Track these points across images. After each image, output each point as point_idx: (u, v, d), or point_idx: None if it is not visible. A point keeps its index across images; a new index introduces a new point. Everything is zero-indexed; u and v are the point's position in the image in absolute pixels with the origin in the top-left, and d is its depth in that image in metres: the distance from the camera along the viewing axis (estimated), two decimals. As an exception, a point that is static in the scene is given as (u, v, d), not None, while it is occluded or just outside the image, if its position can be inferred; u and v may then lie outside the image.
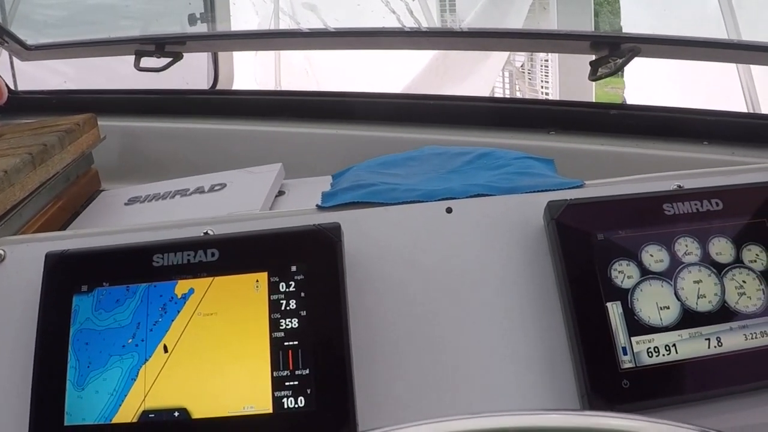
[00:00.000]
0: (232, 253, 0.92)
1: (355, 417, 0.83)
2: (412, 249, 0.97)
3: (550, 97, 4.98)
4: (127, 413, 0.86)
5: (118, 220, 1.44)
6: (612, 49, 1.64)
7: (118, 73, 2.80)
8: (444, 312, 0.93)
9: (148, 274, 0.93)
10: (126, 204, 1.51)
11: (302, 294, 0.89)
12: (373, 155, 1.29)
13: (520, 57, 5.61)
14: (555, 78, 5.04)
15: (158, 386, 0.87)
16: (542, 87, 5.32)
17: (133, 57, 1.94)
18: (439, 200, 1.02)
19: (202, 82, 2.61)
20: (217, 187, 1.45)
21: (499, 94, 5.72)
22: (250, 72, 5.27)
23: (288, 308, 0.88)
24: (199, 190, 1.45)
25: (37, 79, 2.22)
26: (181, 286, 0.91)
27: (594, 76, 1.67)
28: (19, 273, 1.02)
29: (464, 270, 0.95)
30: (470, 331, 0.92)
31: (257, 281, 0.90)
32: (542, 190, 1.02)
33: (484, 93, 4.94)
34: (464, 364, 0.90)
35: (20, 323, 0.98)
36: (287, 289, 0.89)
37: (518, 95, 5.63)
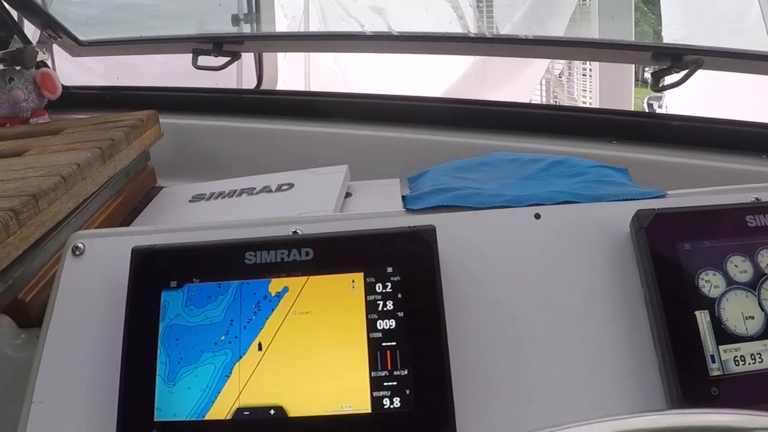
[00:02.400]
0: (327, 253, 0.92)
1: (453, 419, 0.82)
2: (500, 253, 0.97)
3: (590, 106, 4.96)
4: (221, 410, 0.85)
5: (184, 217, 1.43)
6: (674, 61, 1.63)
7: (144, 71, 2.82)
8: (533, 316, 0.93)
9: (240, 272, 0.92)
10: (190, 201, 1.50)
11: (399, 295, 0.88)
12: (434, 159, 1.29)
13: (559, 65, 5.60)
14: (596, 87, 5.03)
15: (253, 384, 0.86)
16: (583, 96, 5.31)
17: (163, 56, 1.94)
18: (527, 206, 1.01)
19: (231, 83, 2.62)
20: (284, 187, 1.44)
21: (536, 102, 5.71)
22: (279, 74, 5.27)
23: (385, 309, 0.88)
24: (266, 190, 1.44)
25: (64, 74, 2.20)
26: (275, 285, 0.91)
27: (656, 87, 1.66)
28: (99, 267, 1.02)
29: (552, 275, 0.95)
30: (558, 336, 0.92)
31: (353, 281, 0.90)
32: (627, 199, 1.02)
33: (523, 101, 4.92)
34: (552, 368, 0.90)
35: (102, 317, 0.98)
36: (384, 290, 0.89)
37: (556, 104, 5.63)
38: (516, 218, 1.00)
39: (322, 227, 0.99)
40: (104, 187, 1.41)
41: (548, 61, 5.14)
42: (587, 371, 0.90)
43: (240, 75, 2.69)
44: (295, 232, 0.99)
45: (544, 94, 5.82)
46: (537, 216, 1.00)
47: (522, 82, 4.94)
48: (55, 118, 1.93)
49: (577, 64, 5.37)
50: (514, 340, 0.92)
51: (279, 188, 1.45)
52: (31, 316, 1.22)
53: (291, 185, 1.45)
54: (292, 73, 5.37)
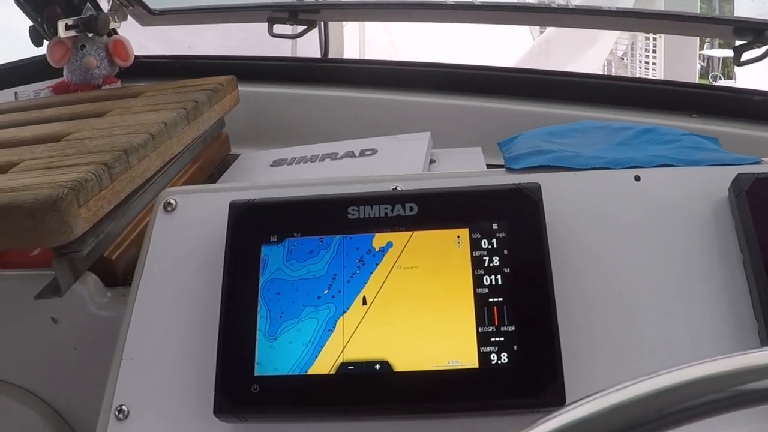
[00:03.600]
0: (431, 209, 0.91)
1: (562, 374, 0.81)
2: (601, 213, 0.96)
3: (671, 80, 4.95)
4: (324, 365, 0.84)
5: (267, 180, 1.42)
6: (756, 36, 1.60)
7: (172, 39, 2.82)
8: (634, 274, 0.92)
9: (343, 226, 0.91)
10: (272, 165, 1.50)
11: (505, 251, 0.87)
12: (515, 129, 1.27)
13: (622, 46, 5.56)
14: (660, 67, 4.99)
15: (357, 338, 0.85)
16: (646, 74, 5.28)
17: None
18: (626, 168, 1.00)
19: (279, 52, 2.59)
20: (367, 152, 1.43)
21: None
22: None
23: (491, 265, 0.86)
24: (350, 155, 1.43)
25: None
26: (379, 239, 0.90)
27: (738, 62, 1.64)
28: (191, 223, 1.02)
29: (652, 236, 0.94)
30: (659, 295, 0.90)
31: (458, 237, 0.88)
32: (724, 164, 1.01)
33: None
34: (654, 325, 0.89)
35: (194, 273, 0.98)
36: (490, 246, 0.87)
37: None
38: (616, 179, 0.99)
39: (422, 185, 0.98)
40: (183, 151, 1.41)
41: (613, 42, 5.10)
42: (687, 330, 0.88)
43: (321, 43, 2.66)
44: (395, 189, 0.98)
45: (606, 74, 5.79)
46: (637, 178, 0.98)
47: (585, 62, 4.90)
48: (126, 86, 1.93)
49: (640, 45, 5.33)
50: (616, 298, 0.91)
51: (362, 153, 1.43)
52: (116, 275, 1.22)
53: (374, 150, 1.44)
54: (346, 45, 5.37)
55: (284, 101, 1.96)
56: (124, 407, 0.92)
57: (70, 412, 1.26)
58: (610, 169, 1.00)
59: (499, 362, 0.82)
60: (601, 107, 1.74)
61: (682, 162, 1.02)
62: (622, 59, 5.63)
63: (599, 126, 1.28)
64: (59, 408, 1.26)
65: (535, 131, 1.23)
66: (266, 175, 1.46)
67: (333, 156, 1.45)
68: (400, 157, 1.38)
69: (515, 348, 0.82)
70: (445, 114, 1.81)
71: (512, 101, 1.80)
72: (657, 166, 1.01)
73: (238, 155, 1.70)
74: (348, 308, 0.87)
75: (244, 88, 1.78)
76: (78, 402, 1.24)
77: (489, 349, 0.83)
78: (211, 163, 1.64)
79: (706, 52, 8.25)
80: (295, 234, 0.92)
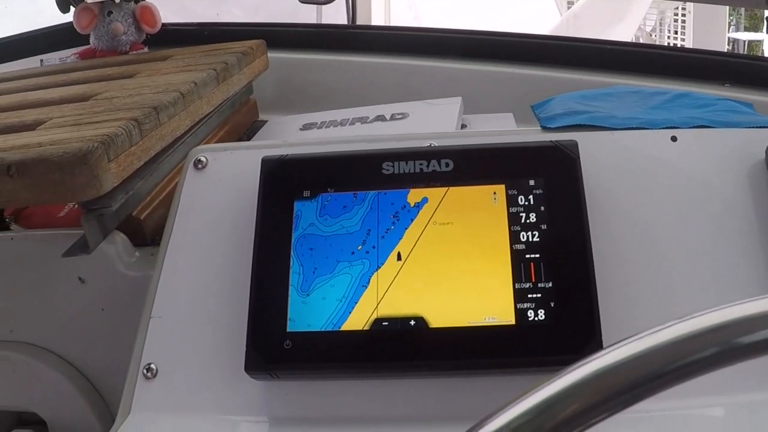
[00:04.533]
0: (467, 165, 0.90)
1: (600, 333, 0.80)
2: (637, 172, 0.95)
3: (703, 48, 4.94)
4: (358, 321, 0.83)
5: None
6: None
7: (186, 8, 2.81)
8: (670, 232, 0.91)
9: (377, 182, 0.90)
10: (301, 129, 1.49)
11: (542, 208, 0.86)
12: (546, 95, 1.25)
13: (651, 21, 5.53)
14: (689, 42, 4.97)
15: (392, 294, 0.84)
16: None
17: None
18: (663, 128, 0.98)
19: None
20: (398, 116, 1.41)
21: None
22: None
23: (528, 221, 0.85)
24: (380, 118, 1.41)
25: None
26: (414, 195, 0.89)
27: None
28: (222, 181, 1.01)
29: (688, 196, 0.93)
30: (695, 253, 0.90)
31: (494, 193, 0.87)
32: (761, 126, 1.00)
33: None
34: (691, 286, 0.88)
35: (225, 230, 0.97)
36: (526, 203, 0.86)
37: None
38: (653, 139, 0.97)
39: (457, 142, 0.97)
40: (212, 115, 1.40)
41: (641, 17, 5.07)
42: (721, 288, 0.88)
43: (349, 10, 2.63)
44: (430, 146, 0.96)
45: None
46: (673, 138, 0.97)
47: (613, 37, 4.85)
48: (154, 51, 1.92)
49: (669, 21, 5.31)
50: (652, 256, 0.89)
51: (393, 117, 1.42)
52: (145, 235, 1.22)
53: (405, 114, 1.42)
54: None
55: (313, 68, 1.95)
56: (152, 366, 0.91)
57: (96, 374, 1.25)
58: (647, 129, 0.99)
59: (536, 319, 0.81)
60: (634, 75, 1.72)
61: (719, 124, 1.01)
62: (651, 35, 5.60)
63: (633, 90, 1.27)
64: (85, 370, 1.25)
65: (569, 94, 1.22)
66: (296, 137, 1.45)
67: (363, 120, 1.44)
68: (431, 121, 1.37)
69: (552, 305, 0.81)
70: (476, 81, 1.79)
71: (544, 68, 1.78)
72: (693, 128, 1.00)
73: (266, 121, 1.68)
74: (382, 264, 0.86)
75: (272, 55, 1.77)
76: (105, 364, 1.23)
77: (526, 305, 0.81)
78: (239, 128, 1.62)
79: (732, 35, 8.19)
80: (329, 189, 0.91)
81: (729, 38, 8.26)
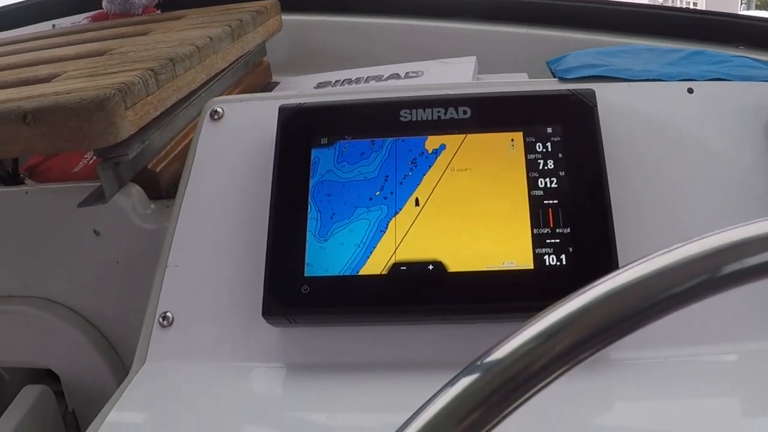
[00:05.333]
0: (485, 112, 0.90)
1: None
2: (654, 123, 0.95)
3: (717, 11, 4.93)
4: (376, 265, 0.83)
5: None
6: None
7: None
8: (686, 182, 0.91)
9: (395, 129, 0.90)
10: (316, 88, 1.49)
11: (559, 155, 0.86)
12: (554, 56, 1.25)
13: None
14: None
15: (410, 239, 0.84)
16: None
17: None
18: (680, 80, 0.98)
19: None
20: (412, 75, 1.41)
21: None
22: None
23: (546, 168, 0.85)
24: (395, 77, 1.41)
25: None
26: (432, 142, 0.89)
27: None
28: (239, 131, 1.01)
29: (705, 147, 0.93)
30: (711, 204, 0.90)
31: (512, 140, 0.87)
32: None
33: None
34: (703, 233, 0.88)
35: (242, 180, 0.97)
36: (544, 150, 0.86)
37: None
38: (669, 91, 0.97)
39: (474, 92, 0.96)
40: (225, 73, 1.39)
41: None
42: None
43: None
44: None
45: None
46: (690, 90, 0.97)
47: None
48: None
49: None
50: (668, 205, 0.89)
51: (407, 75, 1.42)
52: (160, 188, 1.22)
53: (420, 73, 1.42)
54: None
55: (326, 30, 1.94)
56: (168, 314, 0.92)
57: (110, 328, 1.25)
58: (664, 81, 0.99)
59: (555, 264, 0.81)
60: (648, 36, 1.72)
61: (735, 77, 1.00)
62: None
63: (649, 48, 1.26)
64: (99, 324, 1.25)
65: (585, 51, 1.21)
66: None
67: (378, 78, 1.43)
68: (446, 79, 1.36)
69: (571, 250, 0.81)
70: (491, 41, 1.78)
71: (559, 29, 1.78)
72: (710, 80, 0.99)
73: (279, 83, 1.68)
74: (400, 209, 0.86)
75: (285, 17, 1.76)
76: (119, 318, 1.23)
77: (544, 250, 0.82)
78: (253, 89, 1.62)
79: (744, 12, 8.16)
80: (346, 137, 0.91)
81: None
